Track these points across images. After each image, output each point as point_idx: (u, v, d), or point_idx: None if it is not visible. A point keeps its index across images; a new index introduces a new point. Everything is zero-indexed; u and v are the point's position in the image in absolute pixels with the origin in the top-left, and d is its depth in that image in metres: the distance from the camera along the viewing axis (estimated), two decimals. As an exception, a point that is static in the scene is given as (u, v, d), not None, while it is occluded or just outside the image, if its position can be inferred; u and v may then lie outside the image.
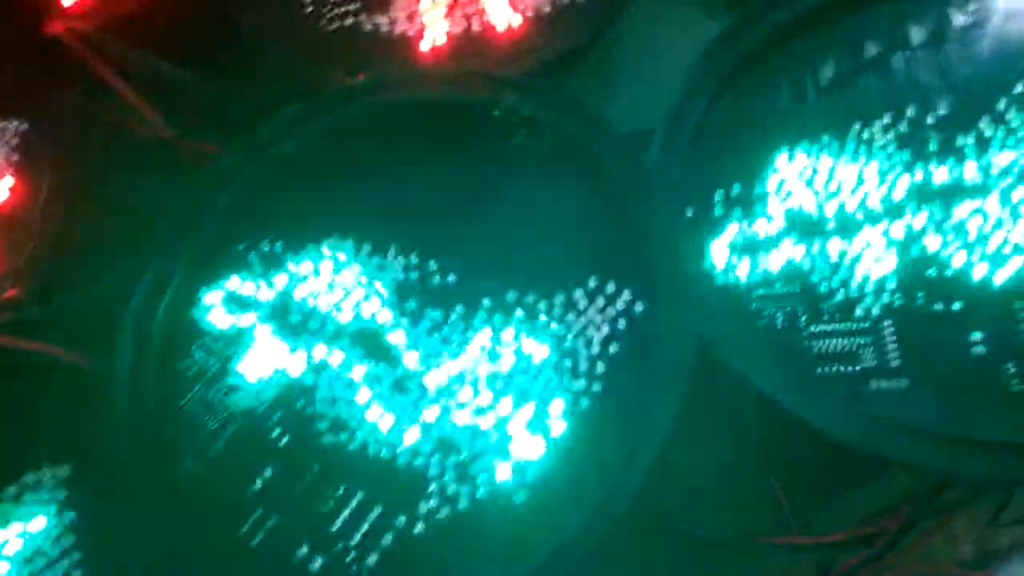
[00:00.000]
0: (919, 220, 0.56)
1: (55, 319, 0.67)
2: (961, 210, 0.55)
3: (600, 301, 0.57)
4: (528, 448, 0.53)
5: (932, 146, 0.58)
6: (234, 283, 0.63)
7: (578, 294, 0.58)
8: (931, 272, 0.54)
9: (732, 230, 0.58)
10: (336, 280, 0.62)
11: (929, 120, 0.59)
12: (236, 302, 0.62)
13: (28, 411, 0.63)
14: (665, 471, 0.55)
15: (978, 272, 0.53)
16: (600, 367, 0.55)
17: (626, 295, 0.57)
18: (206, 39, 0.80)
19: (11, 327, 0.64)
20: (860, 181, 0.58)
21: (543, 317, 0.57)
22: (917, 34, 0.62)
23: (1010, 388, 0.49)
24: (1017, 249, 0.53)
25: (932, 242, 0.55)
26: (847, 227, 0.57)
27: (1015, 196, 0.55)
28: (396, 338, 0.59)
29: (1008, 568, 0.62)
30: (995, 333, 0.51)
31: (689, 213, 0.60)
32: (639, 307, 0.56)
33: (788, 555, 0.57)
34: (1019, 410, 0.49)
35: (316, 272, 0.63)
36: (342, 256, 0.63)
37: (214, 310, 0.62)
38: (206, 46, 0.80)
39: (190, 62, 0.80)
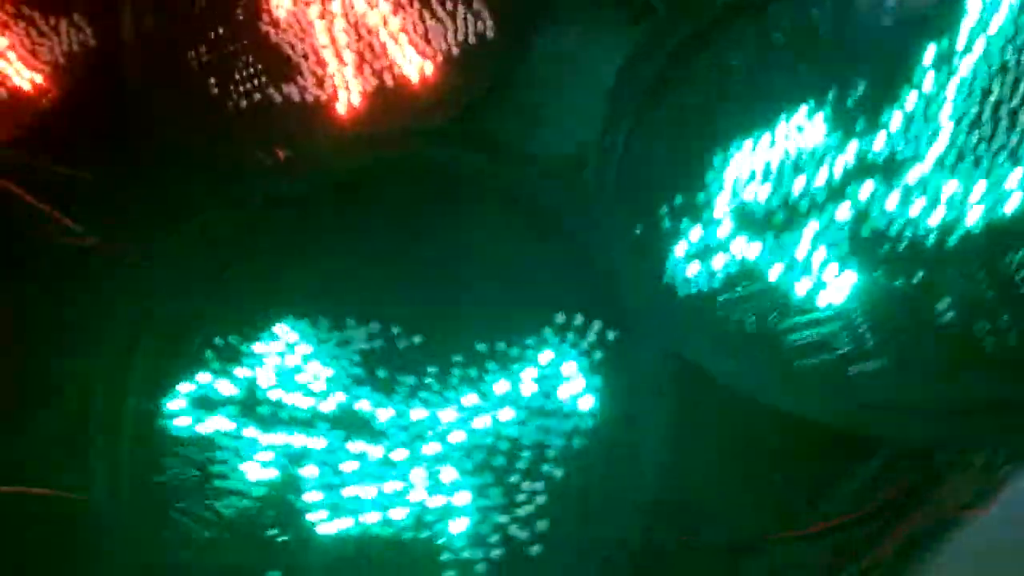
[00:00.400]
0: (863, 197, 0.56)
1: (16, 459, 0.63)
2: (904, 180, 0.56)
3: (571, 336, 0.56)
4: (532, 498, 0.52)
5: (859, 125, 0.59)
6: (195, 384, 0.60)
7: (547, 333, 0.57)
8: (885, 249, 0.55)
9: (683, 241, 0.58)
10: (300, 363, 0.60)
11: (850, 99, 0.60)
12: (202, 404, 0.59)
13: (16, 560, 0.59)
14: (670, 492, 0.55)
15: (930, 240, 0.54)
16: (586, 403, 0.54)
17: (596, 326, 0.56)
18: (112, 139, 0.77)
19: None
20: (798, 169, 0.59)
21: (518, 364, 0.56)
22: (822, 19, 0.63)
23: (982, 348, 0.50)
24: (962, 208, 0.54)
25: (880, 219, 0.56)
26: (794, 217, 0.57)
27: (949, 160, 0.56)
28: (373, 411, 0.57)
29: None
30: (959, 298, 0.52)
31: (638, 231, 0.60)
32: (611, 335, 0.56)
33: (803, 546, 0.57)
34: (998, 367, 0.50)
35: (278, 357, 0.60)
36: (298, 338, 0.61)
37: (180, 417, 0.59)
38: (114, 146, 0.77)
39: (100, 165, 0.76)
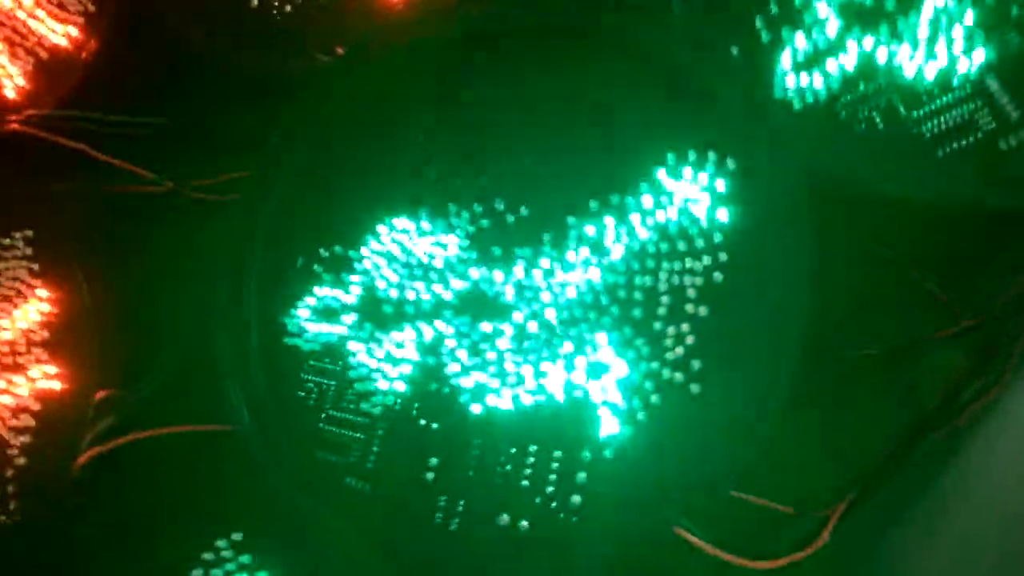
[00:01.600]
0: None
1: (155, 407, 0.65)
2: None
3: (690, 174, 0.54)
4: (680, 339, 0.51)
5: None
6: (311, 299, 0.60)
7: (661, 175, 0.54)
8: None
9: (787, 51, 0.55)
10: (411, 257, 0.59)
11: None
12: (322, 314, 0.59)
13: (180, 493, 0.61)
14: (820, 308, 0.54)
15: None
16: (717, 238, 0.52)
17: (712, 159, 0.54)
18: (162, 80, 0.75)
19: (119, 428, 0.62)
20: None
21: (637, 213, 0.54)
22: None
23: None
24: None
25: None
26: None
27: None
28: (496, 288, 0.57)
29: None
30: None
31: (735, 52, 0.56)
32: (731, 165, 0.53)
33: (959, 343, 0.55)
34: None
35: (388, 257, 0.60)
36: (403, 234, 0.60)
37: (305, 331, 0.59)
38: (166, 87, 0.75)
39: (157, 108, 0.75)
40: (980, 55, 0.50)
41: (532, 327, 0.55)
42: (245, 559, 0.57)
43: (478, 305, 0.57)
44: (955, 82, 0.50)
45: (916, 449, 0.56)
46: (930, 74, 0.51)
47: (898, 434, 0.56)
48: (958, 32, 0.51)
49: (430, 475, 0.53)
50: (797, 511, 0.52)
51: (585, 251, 0.56)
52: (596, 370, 0.53)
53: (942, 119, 0.50)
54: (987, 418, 0.58)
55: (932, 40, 0.51)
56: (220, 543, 0.58)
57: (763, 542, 0.52)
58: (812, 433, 0.56)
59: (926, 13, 0.52)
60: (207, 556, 0.58)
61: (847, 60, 0.53)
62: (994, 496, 0.58)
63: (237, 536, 0.57)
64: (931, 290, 0.55)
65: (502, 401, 0.54)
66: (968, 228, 0.52)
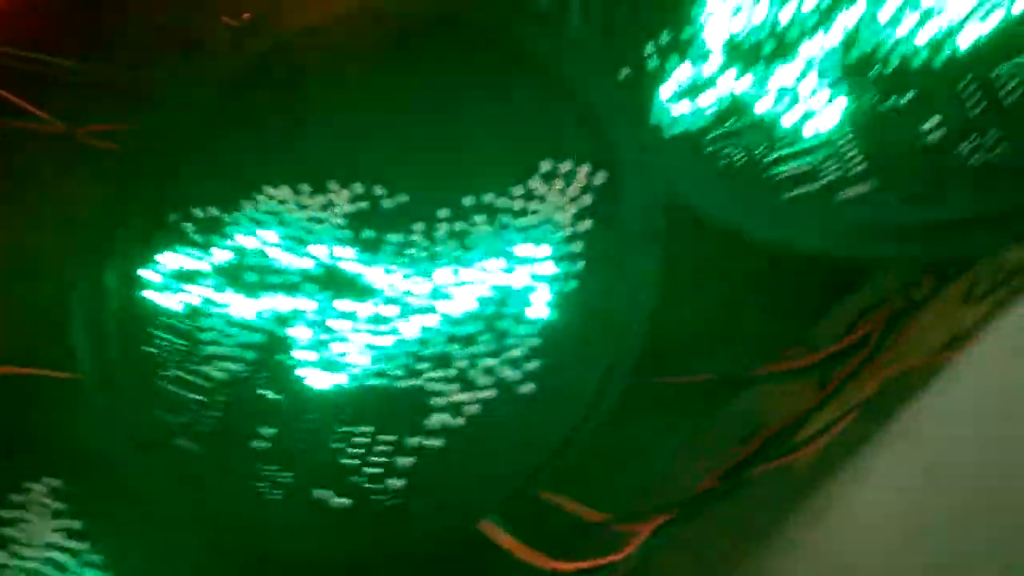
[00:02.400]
0: (851, 20, 0.55)
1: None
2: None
3: (559, 183, 0.55)
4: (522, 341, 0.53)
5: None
6: (177, 257, 0.59)
7: (534, 182, 0.56)
8: (875, 71, 0.53)
9: (671, 79, 0.57)
10: (283, 229, 0.59)
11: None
12: (185, 275, 0.59)
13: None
14: (656, 329, 0.56)
15: (919, 59, 0.53)
16: (576, 247, 0.54)
17: (584, 171, 0.55)
18: (76, 24, 0.74)
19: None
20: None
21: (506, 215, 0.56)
22: None
23: (968, 164, 0.50)
24: (951, 24, 0.52)
25: (868, 41, 0.54)
26: (784, 46, 0.55)
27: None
28: (361, 270, 0.57)
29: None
30: (948, 115, 0.51)
31: (624, 73, 0.58)
32: (599, 178, 0.55)
33: (790, 379, 0.58)
34: (980, 185, 0.50)
35: (260, 225, 0.59)
36: (280, 204, 0.60)
37: (163, 288, 0.59)
38: (79, 32, 0.74)
39: (68, 52, 0.73)
40: (837, 108, 0.53)
41: (387, 311, 0.56)
42: (59, 506, 0.56)
43: (339, 284, 0.57)
44: (809, 130, 0.53)
45: (743, 477, 0.59)
46: (789, 121, 0.54)
47: (726, 461, 0.59)
48: (821, 83, 0.54)
49: (263, 444, 0.53)
50: (609, 521, 0.53)
51: (457, 248, 0.57)
52: (440, 361, 0.54)
53: (792, 164, 0.53)
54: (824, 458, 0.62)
55: (796, 88, 0.54)
56: (34, 486, 0.56)
57: (577, 548, 0.54)
58: (638, 449, 0.58)
59: (797, 63, 0.55)
60: (15, 497, 0.56)
61: (720, 96, 0.55)
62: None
63: (55, 483, 0.56)
64: (768, 328, 0.58)
65: (343, 381, 0.54)
66: (804, 273, 0.55)
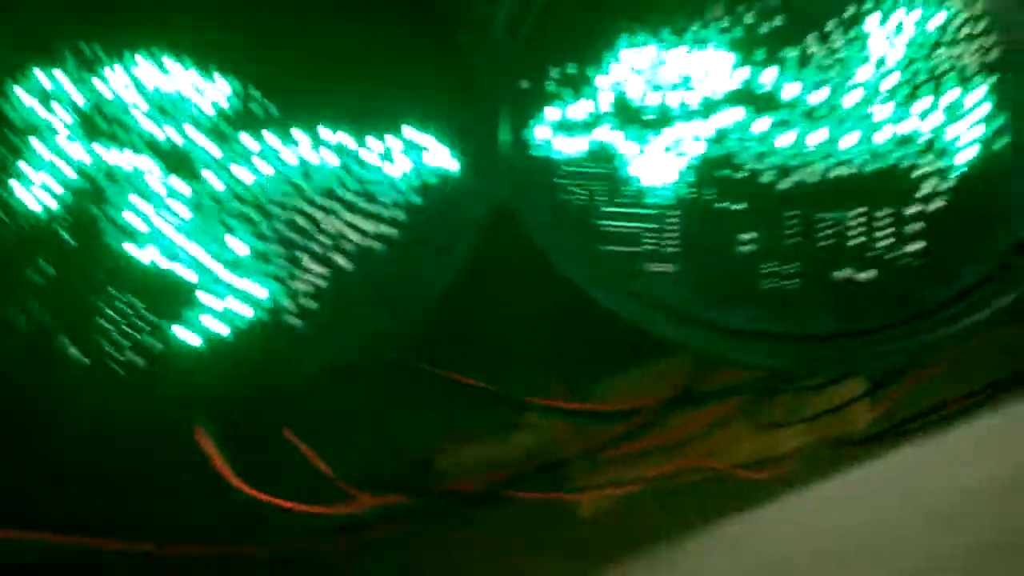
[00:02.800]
0: (729, 120, 0.58)
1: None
2: (765, 121, 0.57)
3: (412, 152, 0.57)
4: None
5: (759, 55, 0.60)
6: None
7: (391, 139, 0.57)
8: (726, 172, 0.56)
9: (556, 107, 0.59)
10: (153, 94, 0.59)
11: (763, 29, 0.60)
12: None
13: None
14: (446, 324, 0.58)
15: (766, 178, 0.56)
16: (399, 214, 0.56)
17: (438, 150, 0.57)
18: None
19: None
20: (686, 76, 0.60)
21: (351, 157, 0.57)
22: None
23: (759, 286, 0.53)
24: (801, 160, 0.56)
25: (734, 144, 0.57)
26: (663, 118, 0.58)
27: (818, 113, 0.57)
28: (203, 158, 0.57)
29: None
30: (765, 235, 0.54)
31: (524, 85, 0.60)
32: (451, 166, 0.57)
33: (551, 416, 0.60)
34: (767, 309, 0.53)
35: (136, 83, 0.59)
36: (162, 67, 0.59)
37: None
38: None
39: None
40: (677, 189, 0.56)
41: (208, 201, 0.56)
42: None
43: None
44: (650, 199, 0.56)
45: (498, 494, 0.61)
46: (637, 182, 0.56)
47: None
48: (678, 164, 0.57)
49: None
50: (336, 476, 0.55)
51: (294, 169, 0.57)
52: (233, 264, 0.55)
53: (621, 223, 0.55)
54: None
55: (656, 157, 0.57)
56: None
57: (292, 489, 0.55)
58: (392, 424, 0.60)
59: (668, 137, 0.57)
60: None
61: (591, 140, 0.58)
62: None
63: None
64: (558, 364, 0.60)
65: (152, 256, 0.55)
66: (602, 327, 0.57)
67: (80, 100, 0.59)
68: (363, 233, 0.54)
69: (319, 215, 0.55)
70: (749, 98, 0.59)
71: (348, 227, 0.54)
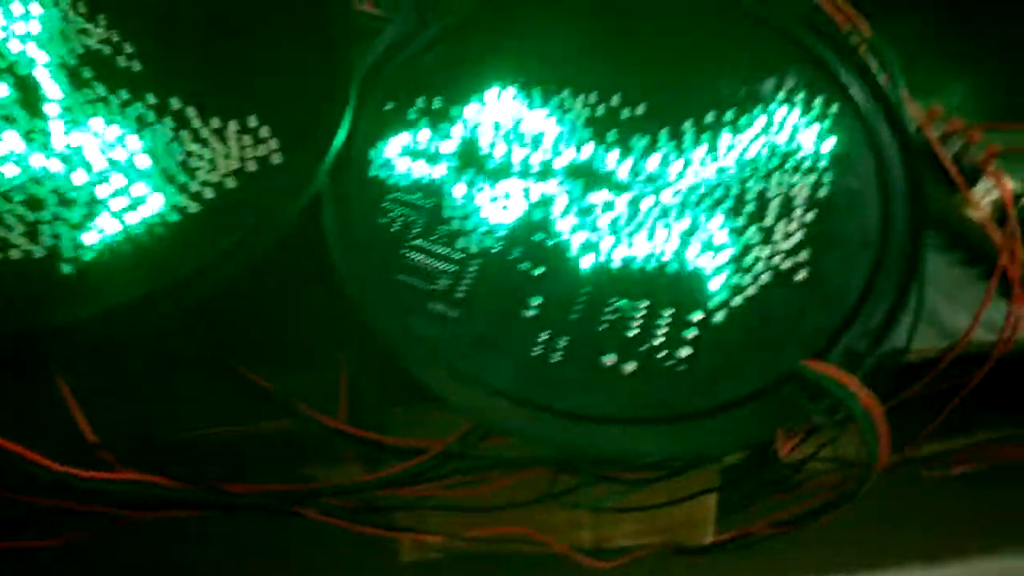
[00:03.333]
0: (557, 189, 0.59)
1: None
2: (596, 197, 0.59)
3: (249, 137, 0.57)
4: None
5: (610, 136, 0.61)
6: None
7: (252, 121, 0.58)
8: (538, 236, 0.58)
9: (409, 134, 0.60)
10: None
11: (624, 113, 0.62)
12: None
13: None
14: (237, 316, 0.58)
15: (573, 252, 0.57)
16: (209, 192, 0.55)
17: (272, 144, 0.57)
18: None
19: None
20: (538, 137, 0.61)
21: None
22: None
23: (530, 353, 0.54)
24: (608, 243, 0.58)
25: (555, 212, 0.58)
26: (500, 170, 0.60)
27: (644, 204, 0.59)
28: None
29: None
30: (550, 304, 0.55)
31: (389, 107, 0.62)
32: (275, 160, 0.56)
33: (333, 436, 0.60)
34: (538, 378, 0.53)
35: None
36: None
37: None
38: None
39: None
40: (489, 242, 0.58)
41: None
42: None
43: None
44: (459, 243, 0.57)
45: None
46: (455, 224, 0.58)
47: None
48: (499, 218, 0.58)
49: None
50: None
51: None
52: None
53: (423, 257, 0.56)
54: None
55: (481, 206, 0.58)
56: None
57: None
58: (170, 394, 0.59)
59: (498, 189, 0.59)
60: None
61: (427, 173, 0.59)
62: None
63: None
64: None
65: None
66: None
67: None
68: (160, 204, 0.55)
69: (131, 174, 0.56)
70: (585, 173, 0.60)
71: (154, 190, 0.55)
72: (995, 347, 0.64)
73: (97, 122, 0.57)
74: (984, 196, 0.67)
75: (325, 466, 0.76)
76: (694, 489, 0.63)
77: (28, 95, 0.58)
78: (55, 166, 0.55)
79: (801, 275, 0.56)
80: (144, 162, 0.56)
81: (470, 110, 0.62)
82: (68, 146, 0.56)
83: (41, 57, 0.59)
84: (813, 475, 0.89)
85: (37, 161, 0.55)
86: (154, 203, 0.54)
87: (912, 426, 0.75)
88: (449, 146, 0.61)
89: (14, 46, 0.59)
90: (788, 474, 0.94)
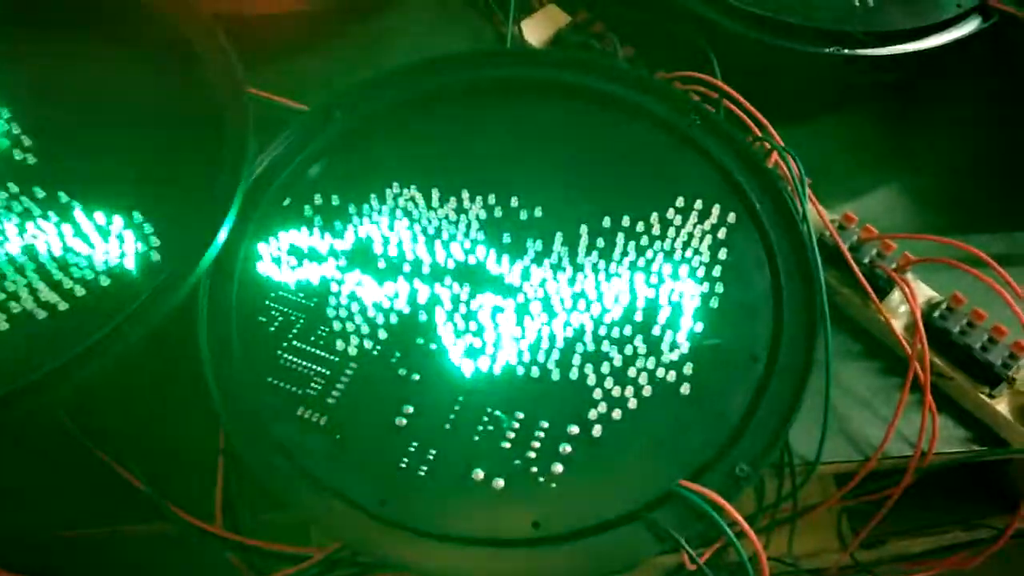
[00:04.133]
0: (445, 292, 0.58)
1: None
2: (480, 300, 0.58)
3: (127, 235, 0.56)
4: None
5: (506, 238, 0.61)
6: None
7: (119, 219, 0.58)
8: (419, 340, 0.56)
9: (304, 232, 0.60)
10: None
11: (523, 214, 0.62)
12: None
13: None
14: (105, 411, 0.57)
15: (454, 357, 0.55)
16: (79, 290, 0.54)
17: (151, 241, 0.56)
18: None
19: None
20: (430, 238, 0.60)
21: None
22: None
23: (398, 462, 0.51)
24: (484, 354, 0.56)
25: (440, 318, 0.57)
26: (389, 270, 0.59)
27: (532, 310, 0.57)
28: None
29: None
30: (424, 413, 0.53)
31: (286, 202, 0.62)
32: (155, 257, 0.56)
33: (204, 540, 0.57)
34: (404, 489, 0.51)
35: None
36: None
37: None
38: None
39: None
40: (367, 345, 0.56)
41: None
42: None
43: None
44: (338, 346, 0.56)
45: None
46: (336, 326, 0.56)
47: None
48: (380, 321, 0.57)
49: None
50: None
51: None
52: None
53: (299, 360, 0.55)
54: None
55: (365, 310, 0.57)
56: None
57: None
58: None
59: (386, 290, 0.58)
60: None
61: (314, 274, 0.58)
62: None
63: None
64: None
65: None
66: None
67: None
68: (36, 296, 0.54)
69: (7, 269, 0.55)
70: (475, 275, 0.59)
71: (25, 288, 0.54)
72: (911, 461, 0.62)
73: (-17, 215, 0.57)
74: (899, 304, 0.66)
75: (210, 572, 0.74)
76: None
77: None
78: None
79: (685, 389, 0.54)
80: (21, 258, 0.56)
81: (366, 209, 0.61)
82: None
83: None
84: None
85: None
86: (24, 300, 0.54)
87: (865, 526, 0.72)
88: (341, 244, 0.60)
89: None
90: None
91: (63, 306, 0.54)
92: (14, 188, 0.58)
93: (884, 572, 0.90)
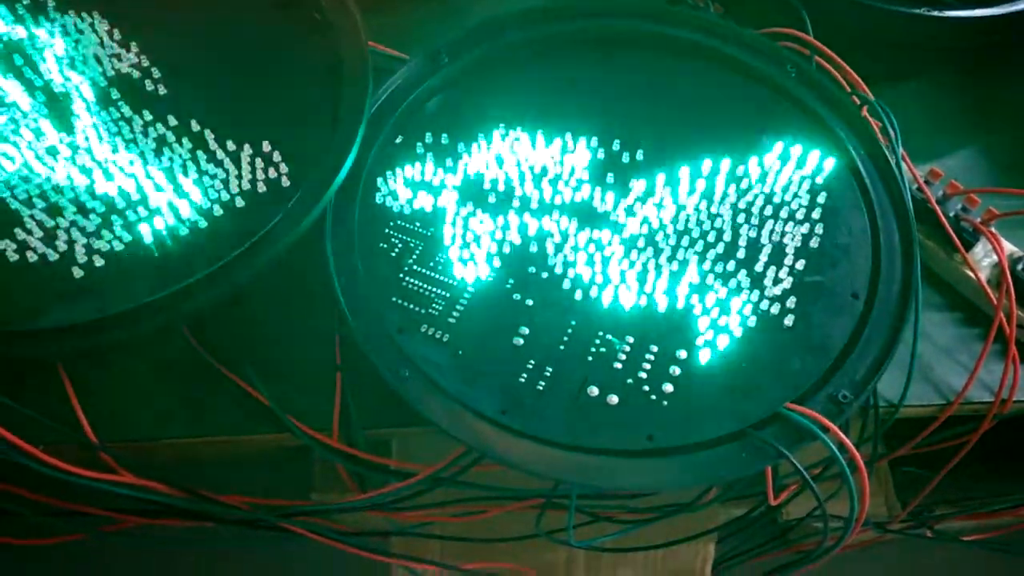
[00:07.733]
0: (554, 227, 0.61)
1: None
2: (587, 235, 0.61)
3: (256, 161, 0.59)
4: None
5: (610, 178, 0.63)
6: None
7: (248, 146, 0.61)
8: (531, 269, 0.59)
9: (418, 167, 0.63)
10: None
11: (624, 158, 0.64)
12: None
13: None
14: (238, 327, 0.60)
15: (564, 285, 0.58)
16: (217, 209, 0.58)
17: (280, 167, 0.59)
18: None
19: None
20: (539, 176, 0.63)
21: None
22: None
23: (516, 380, 0.54)
24: (594, 284, 0.59)
25: (551, 247, 0.60)
26: (502, 203, 0.62)
27: (638, 245, 0.60)
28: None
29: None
30: (539, 334, 0.56)
31: (398, 140, 0.65)
32: (284, 183, 0.59)
33: (327, 455, 0.60)
34: (520, 404, 0.53)
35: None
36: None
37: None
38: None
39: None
40: (483, 272, 0.59)
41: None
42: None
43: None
44: (455, 271, 0.58)
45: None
46: (452, 254, 0.59)
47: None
48: (494, 249, 0.60)
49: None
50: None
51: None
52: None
53: (417, 282, 0.58)
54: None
55: (478, 238, 0.60)
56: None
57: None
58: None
59: (497, 222, 0.60)
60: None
61: (429, 203, 0.61)
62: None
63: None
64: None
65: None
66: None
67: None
68: (178, 214, 0.57)
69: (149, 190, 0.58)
70: (582, 212, 0.62)
71: (167, 205, 0.58)
72: (991, 407, 0.64)
73: (120, 139, 0.61)
74: (983, 258, 0.68)
75: (322, 486, 0.77)
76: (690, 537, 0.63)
77: (58, 110, 0.62)
78: (77, 177, 0.59)
79: (788, 321, 0.57)
80: (160, 178, 0.59)
81: (476, 147, 0.64)
82: (92, 159, 0.60)
83: (75, 77, 0.63)
84: (811, 533, 0.88)
85: (61, 171, 0.59)
86: (166, 217, 0.57)
87: (921, 488, 0.74)
88: (453, 180, 0.63)
89: (51, 65, 0.64)
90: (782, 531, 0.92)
91: (203, 223, 0.57)
92: (148, 115, 0.62)
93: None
